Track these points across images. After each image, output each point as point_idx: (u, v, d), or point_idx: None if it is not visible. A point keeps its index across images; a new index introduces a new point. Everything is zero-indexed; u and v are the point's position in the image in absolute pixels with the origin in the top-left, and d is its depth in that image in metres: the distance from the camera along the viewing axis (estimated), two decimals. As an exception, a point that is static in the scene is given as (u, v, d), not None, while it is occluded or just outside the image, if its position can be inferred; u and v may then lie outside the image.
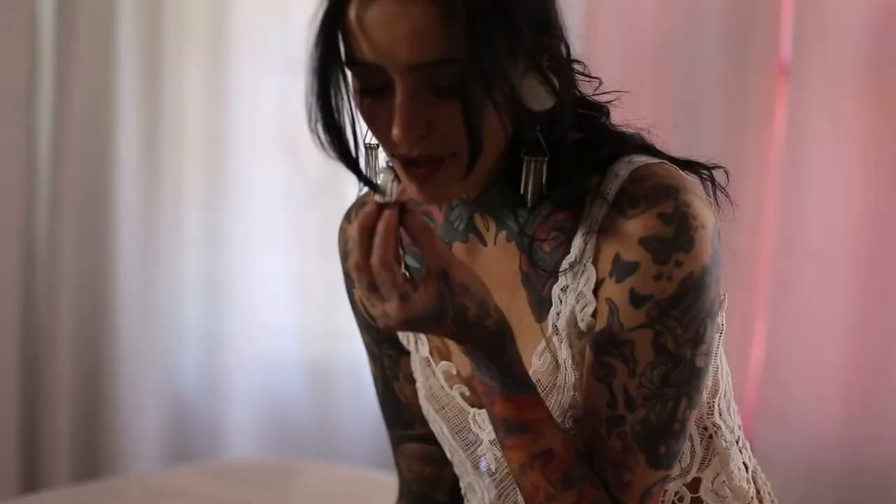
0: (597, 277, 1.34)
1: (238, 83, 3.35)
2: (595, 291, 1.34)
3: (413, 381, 1.55)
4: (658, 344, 1.30)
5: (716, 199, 1.38)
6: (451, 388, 1.47)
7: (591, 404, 1.33)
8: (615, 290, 1.31)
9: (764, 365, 2.91)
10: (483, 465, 1.50)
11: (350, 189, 2.89)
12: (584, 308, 1.34)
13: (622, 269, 1.30)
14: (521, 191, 1.34)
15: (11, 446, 3.21)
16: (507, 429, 1.32)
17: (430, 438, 1.57)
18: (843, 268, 2.90)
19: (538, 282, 1.38)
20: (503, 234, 1.40)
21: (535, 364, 1.38)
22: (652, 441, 1.32)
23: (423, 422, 1.56)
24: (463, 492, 1.56)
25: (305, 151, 3.33)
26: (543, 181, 1.34)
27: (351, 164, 1.35)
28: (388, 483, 2.43)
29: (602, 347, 1.32)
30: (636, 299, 1.30)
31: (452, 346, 1.48)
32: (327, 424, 3.45)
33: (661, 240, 1.29)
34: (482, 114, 1.27)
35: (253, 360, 3.45)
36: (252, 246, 3.42)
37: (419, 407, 1.55)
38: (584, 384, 1.34)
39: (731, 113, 2.82)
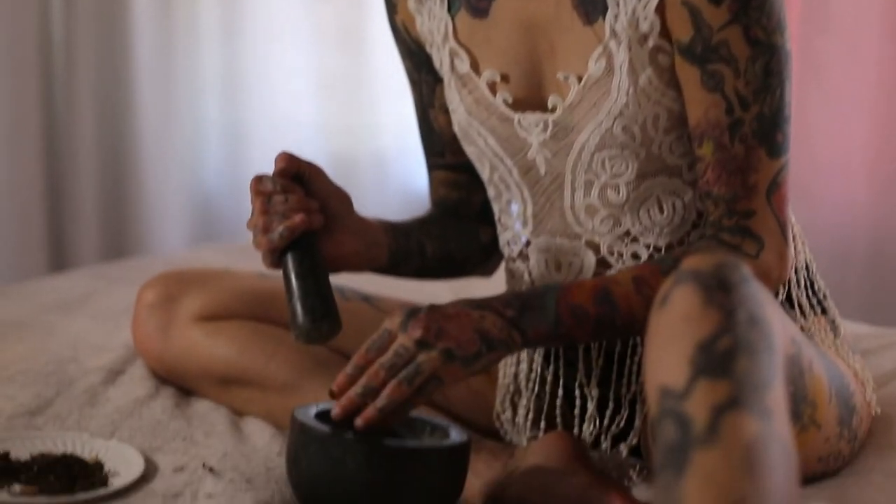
0: None
1: None
2: None
3: (446, 111, 1.60)
4: (750, 37, 1.36)
5: None
6: (495, 96, 1.50)
7: (711, 118, 1.39)
8: None
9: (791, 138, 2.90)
10: (514, 209, 1.55)
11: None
12: (646, 5, 1.39)
13: None
14: None
15: (39, 263, 3.21)
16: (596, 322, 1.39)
17: (458, 167, 1.63)
18: (869, 43, 2.90)
19: None
20: None
21: (591, 68, 1.42)
22: (769, 132, 1.39)
23: (454, 151, 1.62)
24: (497, 216, 1.59)
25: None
26: None
27: None
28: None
29: (702, 57, 1.37)
30: None
31: (491, 48, 1.51)
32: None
33: None
34: None
35: (275, 155, 3.42)
36: (271, 40, 3.37)
37: (451, 136, 1.60)
38: (697, 103, 1.39)
39: None
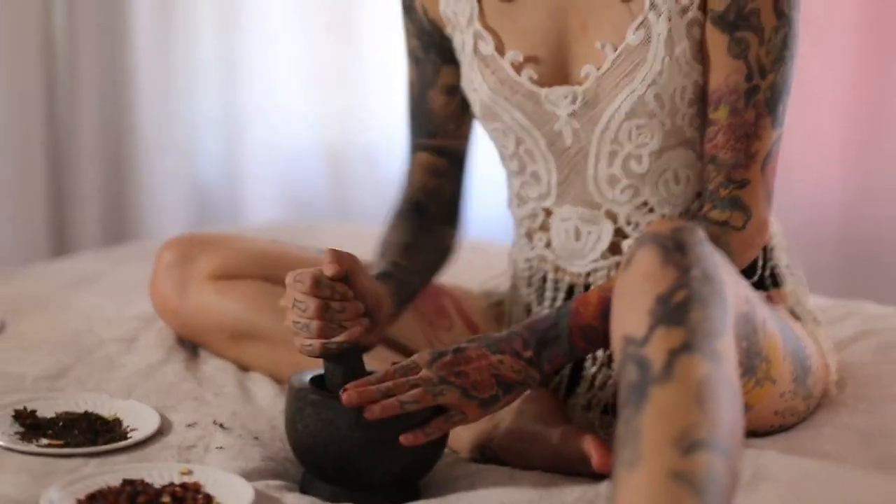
0: None
1: None
2: None
3: (448, 93, 1.71)
4: (777, 8, 1.50)
5: None
6: (520, 74, 1.61)
7: (730, 83, 1.51)
8: None
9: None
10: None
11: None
12: None
13: None
14: None
15: (40, 247, 3.31)
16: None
17: (442, 151, 1.74)
18: (841, 30, 2.99)
19: None
20: None
21: (630, 37, 1.54)
22: (776, 102, 1.53)
23: (445, 133, 1.73)
24: (517, 191, 1.70)
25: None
26: None
27: None
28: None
29: (733, 24, 1.50)
30: None
31: (517, 29, 1.61)
32: (343, 205, 3.54)
33: None
34: None
35: (270, 146, 3.53)
36: (266, 34, 3.47)
37: (446, 117, 1.72)
38: (720, 68, 1.52)
39: None
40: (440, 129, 1.74)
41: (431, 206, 1.76)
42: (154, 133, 3.41)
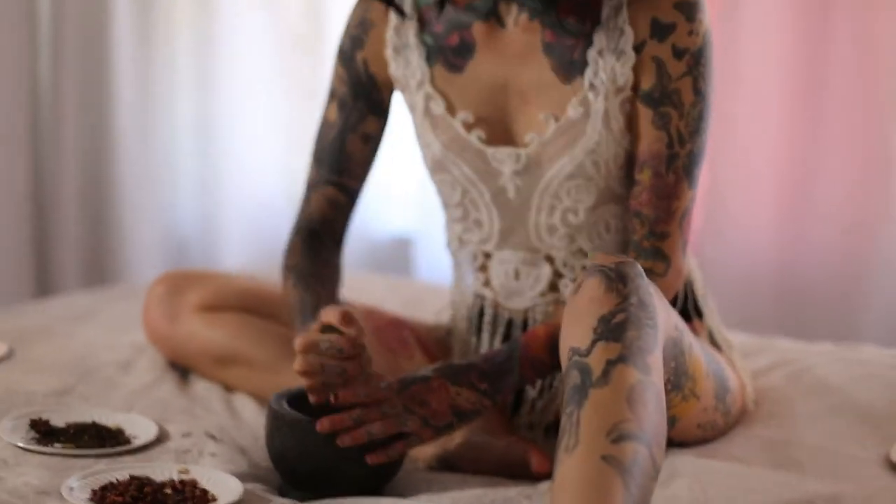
0: (635, 38, 1.69)
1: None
2: (637, 51, 1.69)
3: (365, 140, 1.86)
4: (696, 87, 1.68)
5: None
6: (469, 133, 1.80)
7: (654, 150, 1.69)
8: (659, 49, 1.68)
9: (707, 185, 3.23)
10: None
11: (329, 40, 3.07)
12: (624, 63, 1.70)
13: (662, 31, 1.68)
14: None
15: (24, 292, 3.38)
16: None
17: (347, 190, 1.88)
18: (775, 104, 3.20)
19: (564, 50, 1.73)
20: (524, 15, 1.74)
21: (570, 112, 1.73)
22: (693, 167, 1.71)
23: (353, 175, 1.88)
24: (459, 234, 1.87)
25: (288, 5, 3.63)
26: None
27: None
28: (378, 283, 2.78)
29: (658, 101, 1.68)
30: (677, 53, 1.68)
31: (464, 97, 1.78)
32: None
33: (688, 4, 1.67)
34: None
35: (244, 198, 3.67)
36: (241, 94, 3.62)
37: (359, 161, 1.87)
38: (645, 138, 1.70)
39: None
40: (349, 170, 1.87)
41: (326, 235, 1.89)
42: (133, 185, 3.51)
